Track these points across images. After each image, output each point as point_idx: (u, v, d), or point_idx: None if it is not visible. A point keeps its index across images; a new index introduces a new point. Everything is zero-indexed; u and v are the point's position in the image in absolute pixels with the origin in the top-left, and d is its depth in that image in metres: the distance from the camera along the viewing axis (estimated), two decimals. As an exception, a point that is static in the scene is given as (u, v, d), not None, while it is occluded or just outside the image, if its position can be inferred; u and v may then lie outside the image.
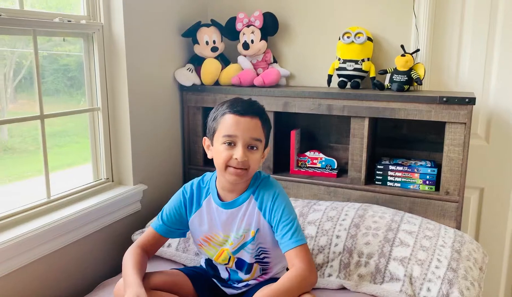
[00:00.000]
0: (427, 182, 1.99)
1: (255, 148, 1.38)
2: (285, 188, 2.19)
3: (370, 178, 2.11)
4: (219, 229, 1.49)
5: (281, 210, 1.41)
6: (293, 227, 1.40)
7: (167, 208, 1.53)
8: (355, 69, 2.14)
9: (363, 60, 2.14)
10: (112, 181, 2.08)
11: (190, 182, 1.55)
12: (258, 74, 2.27)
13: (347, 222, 1.82)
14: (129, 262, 1.40)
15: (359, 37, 2.11)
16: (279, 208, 1.41)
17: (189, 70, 2.30)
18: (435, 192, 1.97)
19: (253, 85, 2.24)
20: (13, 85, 1.76)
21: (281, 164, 2.27)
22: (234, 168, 1.37)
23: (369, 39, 2.13)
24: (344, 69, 2.16)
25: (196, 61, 2.35)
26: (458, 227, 1.91)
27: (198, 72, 2.33)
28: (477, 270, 1.66)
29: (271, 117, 2.12)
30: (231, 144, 1.36)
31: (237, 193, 1.46)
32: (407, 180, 2.02)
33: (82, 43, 1.92)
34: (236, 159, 1.35)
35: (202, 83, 2.32)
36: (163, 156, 2.27)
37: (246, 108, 1.37)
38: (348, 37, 2.14)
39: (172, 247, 1.90)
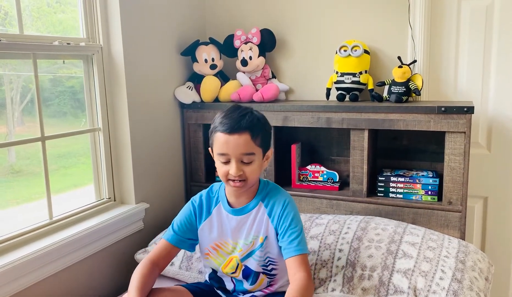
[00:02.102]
0: (429, 192, 1.98)
1: (250, 161, 1.40)
2: (287, 202, 2.19)
3: (372, 190, 2.10)
4: (229, 236, 1.51)
5: (290, 217, 1.44)
6: (300, 235, 1.43)
7: (178, 219, 1.56)
8: (353, 82, 2.15)
9: (360, 73, 2.15)
10: (114, 200, 2.08)
11: (198, 194, 1.58)
12: (257, 90, 2.29)
13: (349, 235, 1.81)
14: (134, 278, 1.41)
15: (355, 50, 2.12)
16: (289, 215, 1.45)
17: (189, 88, 2.32)
18: (437, 202, 1.96)
19: (252, 101, 2.25)
20: (20, 109, 1.79)
21: (283, 178, 2.27)
22: (233, 180, 1.40)
23: (366, 51, 2.14)
24: (342, 82, 2.17)
25: (196, 79, 2.37)
26: (463, 237, 1.90)
27: (198, 90, 2.35)
28: (483, 281, 1.64)
29: (272, 131, 2.14)
30: (226, 161, 1.39)
31: (246, 200, 1.49)
32: (409, 191, 2.01)
33: (82, 65, 1.95)
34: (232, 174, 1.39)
35: (202, 101, 2.34)
36: (165, 174, 2.28)
37: (234, 125, 1.37)
38: (345, 50, 2.15)
39: (175, 266, 1.90)
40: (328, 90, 2.23)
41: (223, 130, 1.37)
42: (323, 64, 2.30)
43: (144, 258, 1.50)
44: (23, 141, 1.72)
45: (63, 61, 1.87)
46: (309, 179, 2.25)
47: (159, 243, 1.55)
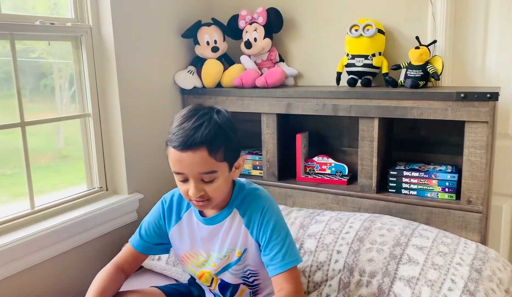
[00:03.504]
0: (447, 189, 1.76)
1: (211, 179, 1.18)
2: (291, 196, 2.02)
3: (383, 185, 1.90)
4: (200, 246, 1.34)
5: (270, 227, 1.24)
6: (284, 246, 1.23)
7: (146, 221, 1.40)
8: (364, 65, 1.94)
9: (373, 55, 1.93)
10: (107, 190, 1.99)
11: (171, 191, 1.40)
12: (262, 75, 2.12)
13: (350, 235, 1.62)
14: (93, 283, 1.28)
15: (368, 29, 1.91)
16: (269, 224, 1.24)
17: (190, 73, 2.18)
18: (455, 201, 1.73)
19: (255, 86, 2.08)
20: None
21: (287, 170, 2.10)
22: (195, 200, 1.20)
23: (380, 31, 1.93)
24: (353, 65, 1.96)
25: (198, 63, 2.22)
26: (483, 241, 1.67)
27: (200, 75, 2.20)
28: (502, 293, 1.42)
29: (273, 120, 1.98)
30: (183, 179, 1.19)
31: (218, 208, 1.30)
32: (424, 187, 1.79)
33: (71, 47, 1.85)
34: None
35: (203, 86, 2.19)
36: (161, 163, 2.15)
37: (186, 140, 1.12)
38: (356, 30, 1.94)
39: (162, 260, 1.78)
40: (339, 74, 2.03)
41: (175, 147, 1.14)
42: (335, 46, 2.10)
43: (110, 262, 1.37)
44: (3, 126, 1.64)
45: (48, 43, 1.77)
46: (316, 172, 2.07)
47: (125, 247, 1.41)
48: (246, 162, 2.18)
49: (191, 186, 1.16)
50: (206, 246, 1.32)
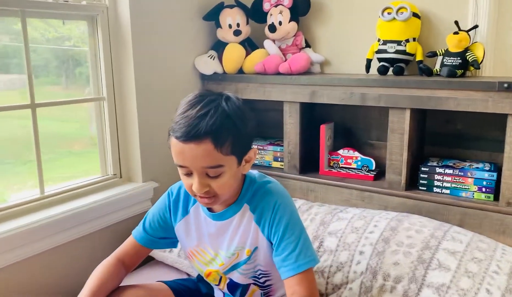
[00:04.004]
0: (484, 189, 1.60)
1: (217, 174, 1.06)
2: (312, 191, 1.90)
3: (412, 183, 1.75)
4: (207, 243, 1.23)
5: (283, 225, 1.12)
6: (298, 246, 1.11)
7: (151, 212, 1.31)
8: (397, 52, 1.79)
9: (407, 41, 1.78)
10: (121, 177, 1.91)
11: (178, 183, 1.29)
12: (286, 61, 2.00)
13: (375, 235, 1.49)
14: (90, 280, 1.19)
15: (402, 12, 1.76)
16: (281, 222, 1.12)
17: (211, 57, 2.08)
18: (493, 202, 1.58)
19: (278, 73, 1.96)
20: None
21: (310, 163, 1.98)
22: (200, 196, 1.10)
23: (415, 15, 1.77)
24: (385, 51, 1.82)
25: (220, 47, 2.12)
26: (524, 248, 1.51)
27: (221, 60, 2.10)
28: (544, 307, 1.26)
29: (296, 109, 1.86)
30: (187, 173, 1.08)
31: (227, 203, 1.18)
32: (458, 186, 1.64)
33: (86, 27, 1.77)
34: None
35: (224, 72, 2.09)
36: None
37: (189, 131, 1.00)
38: (389, 13, 1.79)
39: (173, 253, 1.70)
40: (369, 61, 1.88)
41: (177, 137, 1.02)
42: (365, 31, 1.95)
43: (111, 254, 1.28)
44: (12, 107, 1.58)
45: (63, 22, 1.70)
46: (340, 166, 1.94)
47: (127, 239, 1.32)
48: (267, 153, 2.07)
49: (195, 181, 1.06)
50: (214, 243, 1.22)
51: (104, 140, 1.87)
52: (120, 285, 1.25)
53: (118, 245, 1.74)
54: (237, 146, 1.06)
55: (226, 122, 1.03)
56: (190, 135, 1.00)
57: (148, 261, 1.79)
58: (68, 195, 1.72)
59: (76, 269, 1.70)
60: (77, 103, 1.80)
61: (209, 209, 1.21)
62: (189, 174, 1.07)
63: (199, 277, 1.40)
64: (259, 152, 2.08)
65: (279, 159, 2.04)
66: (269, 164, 2.08)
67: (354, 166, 1.91)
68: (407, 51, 1.79)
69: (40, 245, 1.57)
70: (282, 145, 2.01)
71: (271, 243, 1.15)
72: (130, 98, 1.84)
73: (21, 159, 1.69)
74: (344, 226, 1.56)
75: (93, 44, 1.80)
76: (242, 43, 2.10)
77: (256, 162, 2.09)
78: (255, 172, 1.24)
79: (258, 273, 1.22)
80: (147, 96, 1.87)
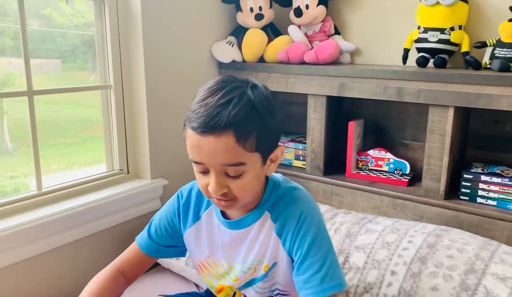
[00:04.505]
0: (539, 203, 1.38)
1: (238, 173, 0.91)
2: (337, 195, 1.71)
3: (453, 191, 1.54)
4: (220, 255, 1.07)
5: (308, 240, 0.95)
6: (323, 266, 0.93)
7: (157, 217, 1.14)
8: (440, 41, 1.57)
9: (452, 29, 1.56)
10: (128, 173, 1.76)
11: (191, 183, 1.13)
12: (313, 49, 1.80)
13: (410, 252, 1.29)
14: (83, 293, 1.04)
15: (447, -4, 1.54)
16: (306, 236, 0.95)
17: (229, 44, 1.90)
18: (550, 219, 1.36)
19: (303, 62, 1.76)
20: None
21: (335, 164, 1.79)
22: (217, 198, 0.94)
23: (462, -1, 1.55)
24: (425, 40, 1.60)
25: (240, 33, 1.93)
26: None
27: (240, 47, 1.91)
28: None
29: (322, 103, 1.66)
30: (204, 170, 0.92)
31: (246, 209, 1.02)
32: (507, 198, 1.43)
33: (93, 7, 1.61)
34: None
35: (243, 60, 1.90)
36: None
37: (208, 121, 0.85)
38: (432, -4, 1.57)
39: (181, 260, 1.54)
40: (406, 51, 1.67)
41: (194, 128, 0.87)
42: (403, 17, 1.73)
43: (111, 263, 1.13)
44: (9, 94, 1.44)
45: (66, 1, 1.54)
46: (370, 168, 1.74)
47: (130, 246, 1.16)
48: (288, 150, 1.88)
49: (212, 181, 0.90)
50: (228, 254, 1.05)
51: (110, 133, 1.72)
52: None
53: (122, 248, 1.59)
54: (263, 142, 0.90)
55: (252, 113, 0.87)
56: (209, 126, 0.84)
57: (153, 266, 1.64)
58: (69, 191, 1.58)
59: (75, 273, 1.56)
60: (80, 91, 1.64)
61: (224, 215, 1.04)
62: (205, 172, 0.91)
63: (208, 292, 1.24)
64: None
65: (301, 158, 1.85)
66: (290, 163, 1.89)
67: (385, 168, 1.71)
68: (452, 40, 1.56)
69: (36, 246, 1.43)
70: (305, 143, 1.81)
71: (292, 260, 0.98)
72: (139, 86, 1.67)
73: (47, 142, 1.62)
74: (374, 239, 1.37)
75: (100, 26, 1.63)
76: (264, 28, 1.91)
77: (276, 159, 1.91)
78: (278, 175, 1.07)
79: (275, 292, 1.05)
80: (158, 86, 1.70)
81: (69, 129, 1.68)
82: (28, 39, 1.41)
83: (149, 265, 1.16)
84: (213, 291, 1.12)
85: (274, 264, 1.01)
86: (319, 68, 1.68)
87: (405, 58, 1.67)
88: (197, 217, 1.09)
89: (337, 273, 0.95)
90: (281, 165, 1.89)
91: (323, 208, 1.60)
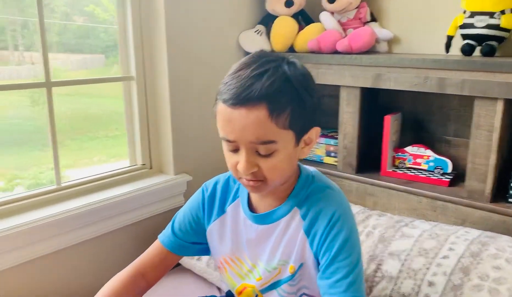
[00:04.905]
0: None
1: (269, 152, 0.84)
2: (371, 195, 1.58)
3: (500, 193, 1.39)
4: (245, 251, 0.99)
5: (338, 243, 0.87)
6: (351, 273, 0.86)
7: (181, 212, 1.08)
8: (488, 26, 1.41)
9: (502, 12, 1.40)
10: (151, 168, 1.70)
11: (215, 177, 1.07)
12: (346, 37, 1.67)
13: (450, 261, 1.16)
14: (100, 293, 0.99)
15: (498, -25, 1.38)
16: (337, 239, 0.87)
17: (258, 33, 1.80)
18: None
19: (335, 51, 1.64)
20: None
21: (370, 161, 1.66)
22: (246, 179, 0.88)
23: (515, -22, 1.38)
24: (471, 26, 1.44)
25: (269, 21, 1.83)
26: None
27: (270, 36, 1.81)
28: None
29: (356, 95, 1.54)
30: (234, 149, 0.86)
31: (274, 201, 0.95)
32: None
33: (114, -4, 1.55)
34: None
35: (272, 49, 1.80)
36: (215, 142, 1.81)
37: (239, 93, 0.80)
38: (480, -23, 1.41)
39: (202, 261, 1.46)
40: (449, 38, 1.51)
41: (224, 100, 0.82)
42: (446, 2, 1.58)
43: (130, 264, 1.06)
44: (26, 85, 1.40)
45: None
46: (408, 166, 1.60)
47: (152, 245, 1.09)
48: (318, 146, 1.76)
49: (242, 159, 0.85)
50: (252, 251, 0.98)
51: (133, 126, 1.66)
52: None
53: (144, 246, 1.53)
54: (297, 119, 0.84)
55: (286, 87, 0.82)
56: (241, 97, 0.80)
57: (174, 267, 1.57)
58: (89, 186, 1.54)
59: (95, 271, 1.52)
60: (101, 83, 1.59)
61: (251, 209, 0.98)
62: (235, 150, 0.86)
63: (229, 295, 1.16)
64: (310, 144, 1.78)
65: (333, 154, 1.73)
66: (320, 160, 1.77)
67: (424, 167, 1.57)
68: (502, 25, 1.40)
69: (54, 242, 1.39)
70: (337, 138, 1.69)
71: (318, 262, 0.91)
72: (161, 78, 1.60)
73: (89, 135, 1.69)
74: (410, 245, 1.24)
75: (122, 15, 1.57)
76: (295, 16, 1.80)
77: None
78: (312, 169, 0.99)
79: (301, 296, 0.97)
80: (181, 77, 1.63)
81: (111, 123, 1.71)
82: (73, 35, 1.48)
83: (171, 265, 1.10)
84: (234, 291, 1.05)
85: (301, 265, 0.93)
86: (352, 58, 1.56)
87: (448, 46, 1.52)
88: (222, 211, 1.02)
89: (362, 289, 0.87)
90: (311, 162, 1.77)
91: (355, 209, 1.48)
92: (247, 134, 0.82)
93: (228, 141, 0.85)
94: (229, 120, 0.82)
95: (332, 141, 1.73)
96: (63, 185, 1.48)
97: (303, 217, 0.92)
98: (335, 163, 1.72)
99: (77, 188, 1.50)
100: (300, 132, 0.87)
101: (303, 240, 0.91)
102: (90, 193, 1.52)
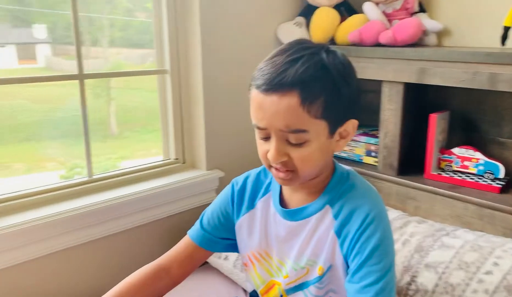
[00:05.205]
0: None
1: (299, 141, 0.80)
2: (413, 199, 1.47)
3: (560, 203, 1.24)
4: (274, 247, 0.95)
5: (371, 246, 0.82)
6: (382, 280, 0.80)
7: (210, 207, 1.05)
8: (551, 16, 1.26)
9: None
10: (184, 163, 1.68)
11: (245, 173, 1.04)
12: (390, 28, 1.56)
13: (494, 278, 1.05)
14: (116, 287, 0.97)
15: None
16: (369, 242, 0.82)
17: (297, 25, 1.72)
18: None
19: (378, 44, 1.54)
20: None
21: (413, 163, 1.54)
22: (276, 168, 0.85)
23: None
24: (531, 16, 1.29)
25: (310, 13, 1.74)
26: None
27: (309, 28, 1.73)
28: None
29: (398, 91, 1.44)
30: (265, 136, 0.83)
31: (306, 197, 0.91)
32: None
33: (149, -12, 1.54)
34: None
35: (312, 42, 1.72)
36: (248, 138, 1.75)
37: (272, 78, 0.77)
38: (542, -40, 1.26)
39: (229, 261, 1.42)
40: (506, 30, 1.37)
41: (258, 86, 0.80)
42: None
43: (156, 259, 1.03)
44: (60, 77, 1.42)
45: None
46: (454, 169, 1.47)
47: (181, 241, 1.06)
48: (358, 144, 1.67)
49: (272, 146, 0.82)
50: (281, 248, 0.94)
51: (166, 120, 1.64)
52: None
53: (172, 242, 1.51)
54: (331, 109, 0.80)
55: (321, 74, 0.78)
56: (273, 83, 0.77)
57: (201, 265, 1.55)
58: (121, 179, 1.54)
59: (124, 264, 1.51)
60: (135, 76, 1.59)
61: (282, 204, 0.93)
62: (266, 138, 0.84)
63: (253, 295, 1.11)
64: (349, 143, 1.68)
65: (373, 154, 1.63)
66: (360, 159, 1.67)
67: (473, 170, 1.44)
68: None
69: (82, 234, 1.40)
70: (378, 137, 1.59)
71: (348, 265, 0.85)
72: (195, 72, 1.57)
73: (147, 127, 1.75)
74: (450, 257, 1.13)
75: (157, 7, 1.55)
76: (337, 7, 1.71)
77: (344, 154, 1.71)
78: (348, 168, 0.94)
79: None
80: (216, 71, 1.59)
81: (153, 117, 1.74)
82: (134, 31, 1.55)
83: (198, 262, 1.06)
84: (258, 291, 1.00)
85: (330, 267, 0.87)
86: (396, 51, 1.45)
87: (504, 38, 1.37)
88: (252, 205, 0.99)
89: (391, 292, 0.81)
90: (350, 161, 1.68)
91: (393, 214, 1.38)
92: (277, 121, 0.79)
93: (259, 128, 0.82)
94: (260, 106, 0.80)
95: (372, 140, 1.63)
96: (94, 177, 1.48)
97: (335, 216, 0.87)
98: (375, 163, 1.61)
99: (108, 180, 1.51)
100: (334, 123, 0.82)
101: (333, 241, 0.86)
102: (121, 186, 1.52)
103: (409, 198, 1.49)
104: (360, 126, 1.70)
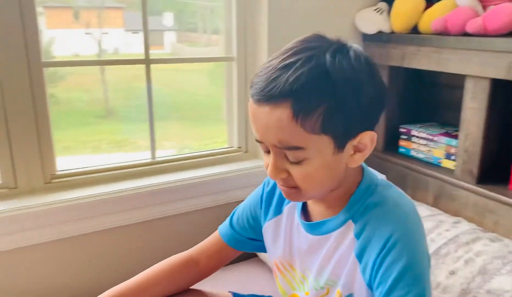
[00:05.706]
0: None
1: (297, 159, 0.71)
2: (492, 213, 1.28)
3: None
4: (296, 258, 0.89)
5: (396, 272, 0.70)
6: None
7: (242, 206, 1.02)
8: None
9: None
10: (246, 152, 1.65)
11: None
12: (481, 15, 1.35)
13: None
14: (143, 273, 0.97)
15: None
16: (393, 267, 0.70)
17: (378, 12, 1.58)
18: None
19: (464, 33, 1.34)
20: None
21: (496, 170, 1.33)
22: (279, 184, 0.78)
23: None
24: None
25: (394, -1, 1.60)
26: None
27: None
28: None
29: (484, 88, 1.26)
30: (265, 150, 0.76)
31: (327, 210, 0.82)
32: None
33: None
34: None
35: (392, 31, 1.57)
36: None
37: (263, 87, 0.67)
38: None
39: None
40: None
41: (251, 95, 0.71)
42: None
43: (188, 249, 1.03)
44: (126, 61, 1.47)
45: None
46: (548, 182, 1.24)
47: (213, 234, 1.04)
48: (437, 146, 1.48)
49: (270, 162, 0.74)
50: (303, 261, 0.87)
51: (232, 107, 1.62)
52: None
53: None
54: (335, 122, 0.68)
55: (319, 81, 0.66)
56: (263, 93, 0.68)
57: (252, 256, 1.51)
58: (183, 163, 1.55)
59: (173, 247, 1.53)
60: (201, 62, 1.59)
61: (305, 216, 0.86)
62: (268, 151, 0.75)
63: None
64: (427, 143, 1.51)
65: (453, 157, 1.44)
66: (438, 162, 1.49)
67: None
68: None
69: (142, 213, 1.44)
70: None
71: (372, 293, 0.74)
72: (261, 60, 1.52)
73: (211, 117, 1.79)
74: (520, 287, 0.95)
75: (227, -7, 1.53)
76: (423, -8, 1.53)
77: (421, 156, 1.53)
78: (381, 178, 0.82)
79: None
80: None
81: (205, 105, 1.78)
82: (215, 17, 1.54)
83: (227, 259, 1.04)
84: None
85: (350, 296, 0.78)
86: (482, 42, 1.25)
87: None
88: (279, 210, 0.93)
89: None
90: (426, 163, 1.51)
91: (463, 227, 1.21)
92: (269, 136, 0.70)
93: (257, 141, 0.74)
94: (253, 118, 0.72)
95: (454, 142, 1.44)
96: (157, 159, 1.52)
97: (357, 235, 0.76)
98: (453, 168, 1.42)
99: (170, 163, 1.53)
100: (342, 137, 0.71)
101: (354, 264, 0.76)
102: (183, 169, 1.54)
103: (487, 210, 1.29)
104: (442, 125, 1.54)
